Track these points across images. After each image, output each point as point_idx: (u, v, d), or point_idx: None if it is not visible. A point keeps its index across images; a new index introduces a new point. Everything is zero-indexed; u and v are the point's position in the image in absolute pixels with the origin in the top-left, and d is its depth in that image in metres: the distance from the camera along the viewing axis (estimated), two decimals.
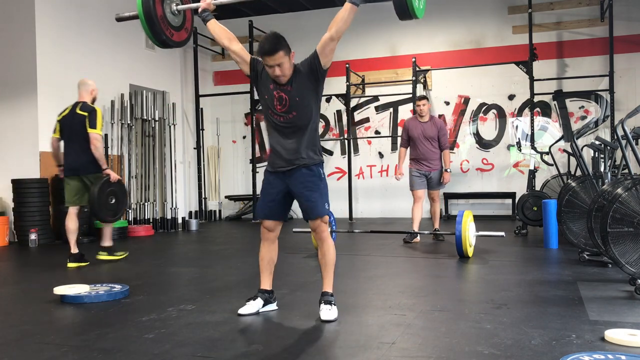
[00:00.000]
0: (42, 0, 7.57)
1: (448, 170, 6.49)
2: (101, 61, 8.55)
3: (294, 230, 6.13)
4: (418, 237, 6.36)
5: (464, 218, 5.15)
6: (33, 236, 6.93)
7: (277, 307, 3.38)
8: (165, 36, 3.21)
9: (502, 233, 5.46)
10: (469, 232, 5.19)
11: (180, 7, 3.44)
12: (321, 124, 10.72)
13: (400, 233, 6.76)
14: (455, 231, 5.17)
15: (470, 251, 5.23)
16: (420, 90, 9.87)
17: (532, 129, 8.99)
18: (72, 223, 5.38)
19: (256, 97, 10.24)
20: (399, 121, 10.20)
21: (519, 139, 9.70)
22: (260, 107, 3.29)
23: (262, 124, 11.01)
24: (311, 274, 4.65)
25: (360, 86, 10.45)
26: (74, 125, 5.33)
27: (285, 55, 3.03)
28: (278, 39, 3.03)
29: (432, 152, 6.43)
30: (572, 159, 7.87)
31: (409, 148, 6.58)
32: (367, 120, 10.53)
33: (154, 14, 3.16)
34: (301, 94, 3.11)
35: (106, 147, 8.40)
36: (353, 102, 10.44)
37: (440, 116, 10.06)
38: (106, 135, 8.44)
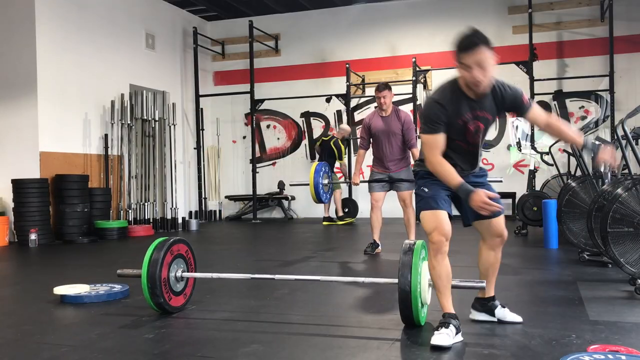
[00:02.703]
0: (42, 0, 7.58)
1: None
2: (101, 61, 8.56)
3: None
4: (380, 248, 5.73)
5: None
6: (33, 236, 6.93)
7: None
8: (163, 299, 3.17)
9: None
10: None
11: (186, 274, 3.37)
12: (321, 124, 10.72)
13: (399, 233, 6.75)
14: None
15: None
16: (420, 91, 9.87)
17: (532, 129, 8.99)
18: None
19: (256, 97, 10.25)
20: None
21: (519, 139, 9.69)
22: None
23: (263, 124, 11.02)
24: (311, 274, 4.64)
25: (361, 86, 10.44)
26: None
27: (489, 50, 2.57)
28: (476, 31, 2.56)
29: (397, 151, 5.46)
30: (572, 159, 7.87)
31: (370, 149, 5.67)
32: None
33: (158, 277, 3.12)
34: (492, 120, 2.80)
35: (106, 147, 8.40)
36: (353, 102, 10.43)
37: None
38: (106, 135, 8.45)
